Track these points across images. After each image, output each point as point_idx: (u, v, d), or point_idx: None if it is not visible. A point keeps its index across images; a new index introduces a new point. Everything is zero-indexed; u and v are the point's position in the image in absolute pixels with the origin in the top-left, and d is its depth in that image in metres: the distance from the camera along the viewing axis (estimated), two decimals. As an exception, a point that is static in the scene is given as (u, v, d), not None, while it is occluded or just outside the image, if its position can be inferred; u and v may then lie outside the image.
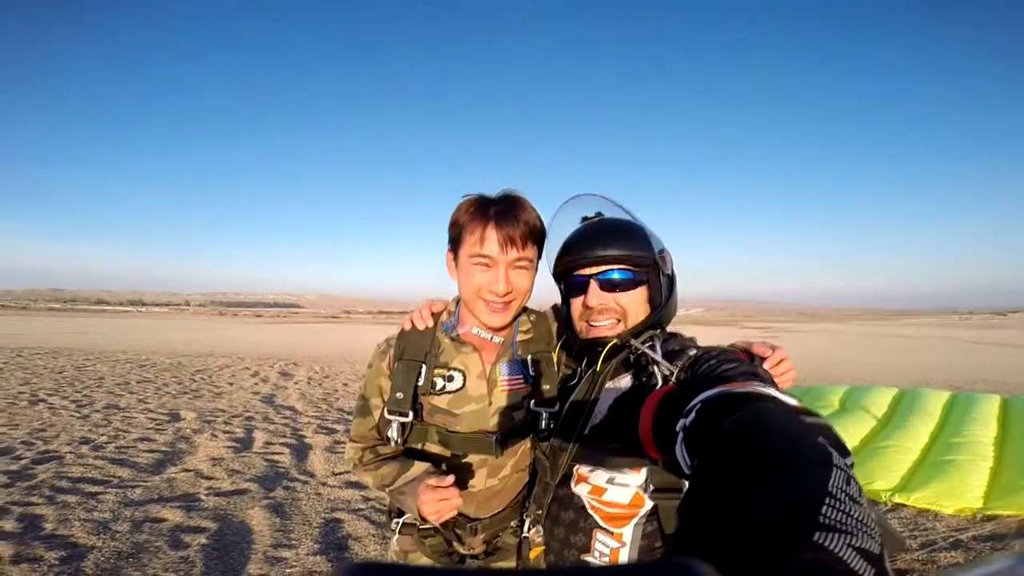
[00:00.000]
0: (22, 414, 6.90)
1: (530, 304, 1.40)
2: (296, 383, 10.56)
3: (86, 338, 22.35)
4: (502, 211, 1.22)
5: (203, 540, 3.40)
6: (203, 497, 4.17)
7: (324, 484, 4.56)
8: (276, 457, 5.34)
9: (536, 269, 1.31)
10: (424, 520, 1.22)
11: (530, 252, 1.26)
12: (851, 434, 4.94)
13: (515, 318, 1.35)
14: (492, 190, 1.30)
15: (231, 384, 10.17)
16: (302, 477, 4.75)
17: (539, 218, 1.27)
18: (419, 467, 1.28)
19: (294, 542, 3.45)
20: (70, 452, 5.24)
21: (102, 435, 5.96)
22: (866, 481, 4.20)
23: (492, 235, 1.21)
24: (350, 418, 1.40)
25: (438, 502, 1.15)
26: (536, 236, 1.26)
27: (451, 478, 1.19)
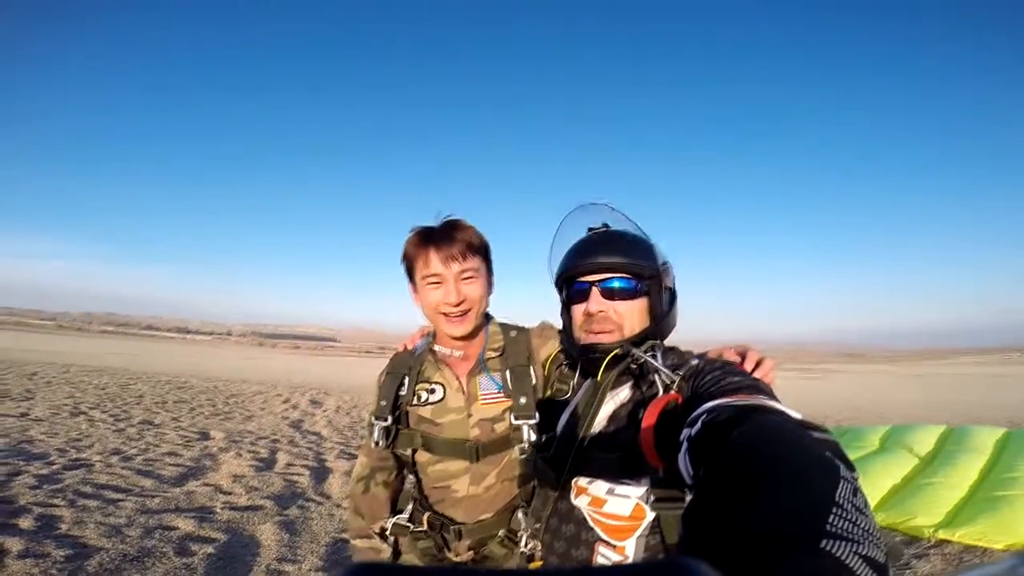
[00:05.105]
0: (62, 424, 7.17)
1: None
2: (324, 411, 10.66)
3: (132, 359, 23.33)
4: (440, 235, 1.40)
5: (210, 550, 3.38)
6: (218, 510, 4.18)
7: (338, 506, 4.49)
8: (295, 478, 5.34)
9: (484, 278, 1.45)
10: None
11: (473, 263, 1.40)
12: (891, 472, 4.67)
13: (479, 329, 1.49)
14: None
15: (262, 409, 10.36)
16: (318, 498, 4.72)
17: (477, 233, 1.44)
18: (377, 548, 1.49)
19: (299, 558, 3.39)
20: (100, 461, 5.38)
21: (133, 448, 6.11)
22: (907, 517, 3.94)
23: (434, 256, 1.38)
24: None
25: None
26: (476, 248, 1.41)
27: None
